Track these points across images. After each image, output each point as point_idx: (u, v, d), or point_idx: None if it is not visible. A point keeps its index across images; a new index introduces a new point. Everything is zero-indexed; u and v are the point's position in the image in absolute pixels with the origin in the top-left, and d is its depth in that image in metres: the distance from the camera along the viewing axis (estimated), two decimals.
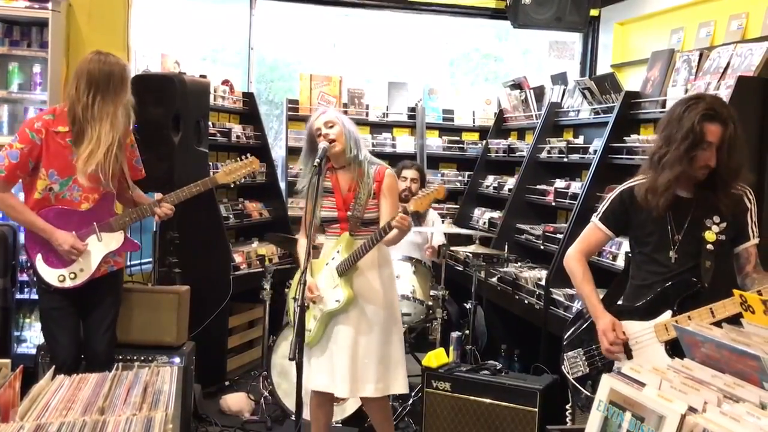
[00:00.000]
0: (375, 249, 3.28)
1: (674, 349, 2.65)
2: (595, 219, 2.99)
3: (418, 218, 5.05)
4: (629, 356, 2.80)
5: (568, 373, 3.02)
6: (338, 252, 3.33)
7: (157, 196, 3.48)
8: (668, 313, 2.73)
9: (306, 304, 3.30)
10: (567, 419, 3.34)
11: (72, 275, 3.29)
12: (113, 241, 3.37)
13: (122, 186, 3.46)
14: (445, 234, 5.03)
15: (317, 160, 3.16)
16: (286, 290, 4.46)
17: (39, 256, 3.29)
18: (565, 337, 3.11)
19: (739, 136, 2.65)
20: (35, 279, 3.36)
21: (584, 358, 2.99)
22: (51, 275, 3.28)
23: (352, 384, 3.27)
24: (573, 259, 3.00)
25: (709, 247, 2.73)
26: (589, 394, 2.92)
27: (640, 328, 2.78)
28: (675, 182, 2.69)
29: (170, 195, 3.47)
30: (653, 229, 2.82)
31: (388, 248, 3.45)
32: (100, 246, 3.34)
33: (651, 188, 2.74)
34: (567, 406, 3.30)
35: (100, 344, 3.40)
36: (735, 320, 2.14)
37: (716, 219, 2.74)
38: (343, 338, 3.30)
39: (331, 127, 3.31)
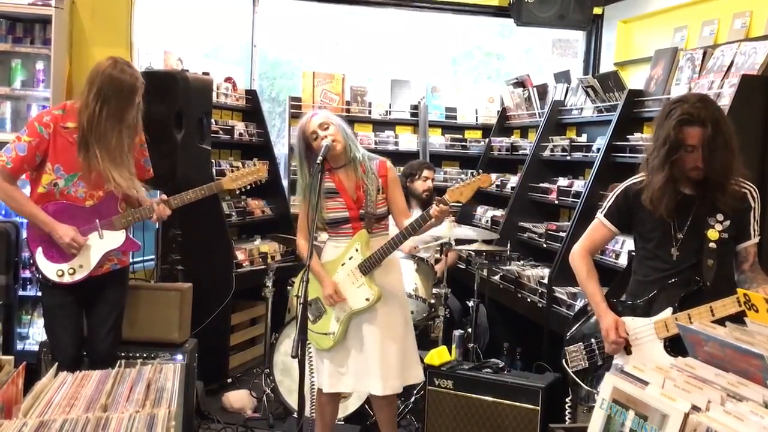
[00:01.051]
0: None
1: (673, 346, 2.66)
2: (599, 215, 3.01)
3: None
4: (628, 351, 2.82)
5: (569, 366, 3.06)
6: (356, 250, 3.32)
7: (162, 197, 3.48)
8: (669, 311, 2.74)
9: (323, 309, 3.32)
10: (567, 413, 3.36)
11: (71, 270, 3.29)
12: (115, 239, 3.36)
13: None
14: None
15: (320, 158, 3.15)
16: (289, 288, 4.46)
17: (39, 250, 3.29)
18: (568, 331, 3.13)
19: (722, 133, 2.63)
20: (38, 276, 3.36)
21: (584, 353, 3.02)
22: (50, 269, 3.28)
23: (384, 381, 3.28)
24: (577, 256, 3.02)
25: (712, 245, 2.73)
26: (588, 388, 2.97)
27: (640, 324, 2.79)
28: (667, 187, 2.70)
29: (175, 198, 3.47)
30: (656, 225, 2.82)
31: None
32: (102, 243, 3.33)
33: (651, 195, 2.75)
34: (567, 399, 3.32)
35: (102, 344, 3.40)
36: (737, 319, 2.14)
37: (719, 217, 2.73)
38: (371, 336, 3.30)
39: (326, 128, 3.26)
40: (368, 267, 3.29)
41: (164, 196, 3.49)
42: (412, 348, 3.44)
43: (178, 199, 3.47)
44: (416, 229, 3.22)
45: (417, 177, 5.12)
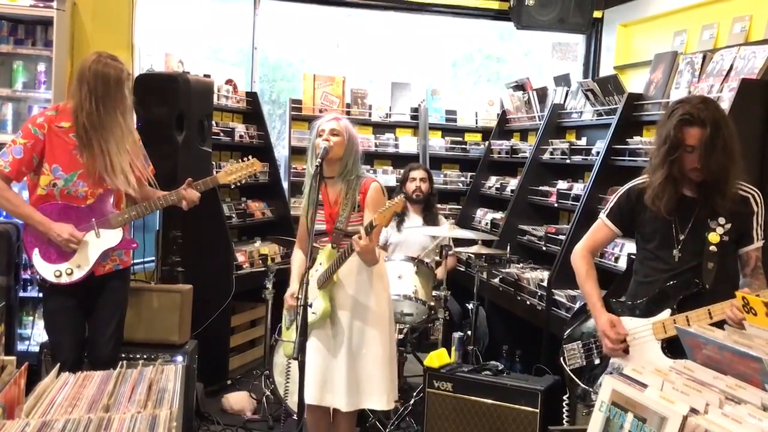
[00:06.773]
0: (355, 258, 3.21)
1: (670, 347, 2.68)
2: (602, 215, 3.04)
3: (431, 220, 5.09)
4: (626, 351, 2.83)
5: (566, 364, 3.08)
6: (320, 264, 3.31)
7: (189, 180, 3.52)
8: (667, 312, 2.76)
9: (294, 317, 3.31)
10: (564, 412, 3.37)
11: (69, 270, 3.27)
12: (112, 237, 3.35)
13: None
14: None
15: (318, 159, 3.17)
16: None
17: (36, 251, 3.27)
18: (566, 329, 3.16)
19: (721, 136, 2.64)
20: (38, 277, 3.35)
21: (582, 351, 3.04)
22: (47, 270, 3.26)
23: (347, 397, 3.26)
24: (578, 256, 3.05)
25: (712, 248, 2.74)
26: (584, 386, 2.98)
27: (638, 325, 2.81)
28: (667, 185, 2.72)
29: (198, 182, 3.52)
30: (658, 226, 2.84)
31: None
32: (99, 242, 3.32)
33: (652, 194, 2.76)
34: (564, 397, 3.34)
35: (104, 348, 3.39)
36: None
37: (721, 220, 2.74)
38: (334, 350, 3.29)
39: (336, 135, 3.28)
40: (321, 281, 3.28)
41: (190, 180, 3.53)
42: (375, 372, 3.29)
43: (201, 184, 3.53)
44: (344, 259, 3.17)
45: (406, 179, 5.15)
